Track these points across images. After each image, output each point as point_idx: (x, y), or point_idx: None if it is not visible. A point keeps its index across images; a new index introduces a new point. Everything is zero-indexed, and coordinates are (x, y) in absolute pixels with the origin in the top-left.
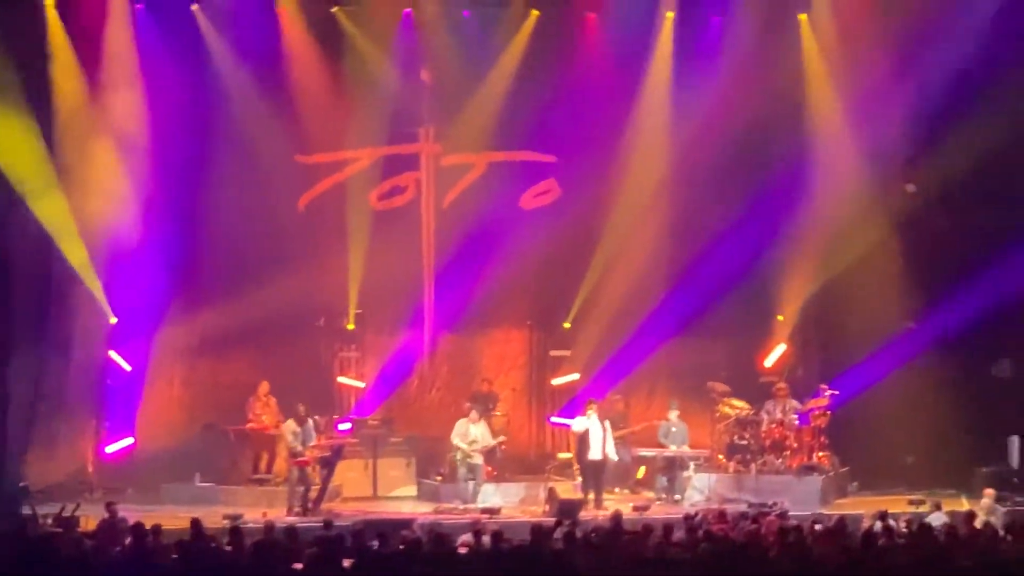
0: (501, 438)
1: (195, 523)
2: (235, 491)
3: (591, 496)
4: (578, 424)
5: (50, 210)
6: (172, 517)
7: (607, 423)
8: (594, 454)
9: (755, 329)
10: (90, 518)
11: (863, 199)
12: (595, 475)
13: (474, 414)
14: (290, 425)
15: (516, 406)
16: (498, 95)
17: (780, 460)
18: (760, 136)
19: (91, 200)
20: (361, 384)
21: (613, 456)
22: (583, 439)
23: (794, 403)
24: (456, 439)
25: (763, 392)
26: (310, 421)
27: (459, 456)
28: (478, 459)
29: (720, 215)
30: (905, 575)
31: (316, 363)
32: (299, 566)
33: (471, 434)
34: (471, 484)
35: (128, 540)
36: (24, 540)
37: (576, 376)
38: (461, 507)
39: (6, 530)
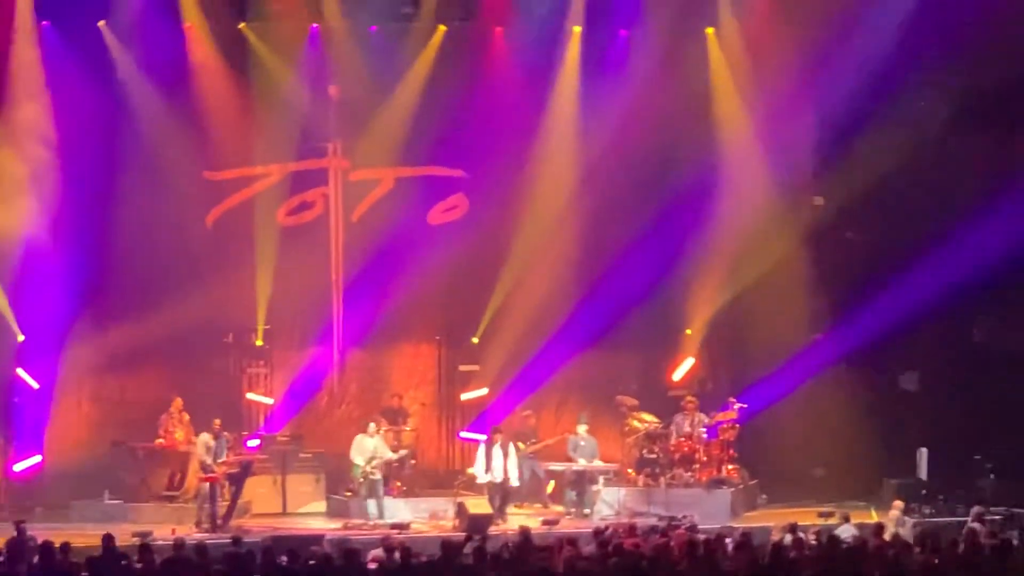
0: (403, 452)
1: (107, 538)
2: (144, 508)
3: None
4: (479, 474)
5: None
6: (81, 535)
7: (510, 447)
8: (495, 476)
9: (664, 343)
10: None
11: (771, 212)
12: (500, 493)
13: (372, 427)
14: (205, 439)
15: (426, 421)
16: (406, 110)
17: (689, 473)
18: (668, 149)
19: None
20: (270, 400)
21: (515, 481)
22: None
23: (703, 416)
24: (356, 456)
25: (672, 406)
26: (223, 436)
27: (358, 473)
28: (378, 475)
29: (628, 228)
30: None
31: (225, 379)
32: None
33: (368, 448)
34: (373, 503)
35: (36, 558)
36: None
37: (485, 391)
38: (371, 522)
39: None
